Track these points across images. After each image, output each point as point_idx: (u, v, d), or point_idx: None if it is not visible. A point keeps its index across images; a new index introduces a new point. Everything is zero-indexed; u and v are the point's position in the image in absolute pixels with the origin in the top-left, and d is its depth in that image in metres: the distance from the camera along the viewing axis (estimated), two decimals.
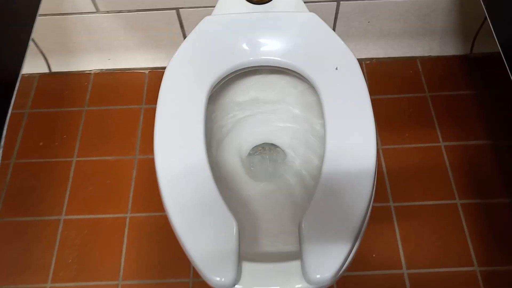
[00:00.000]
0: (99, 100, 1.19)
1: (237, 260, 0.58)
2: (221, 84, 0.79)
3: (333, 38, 0.77)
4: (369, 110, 0.69)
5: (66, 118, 1.17)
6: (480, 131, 1.10)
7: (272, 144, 0.91)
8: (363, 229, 0.64)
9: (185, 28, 1.12)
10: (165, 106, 0.71)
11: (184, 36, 1.14)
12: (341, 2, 1.05)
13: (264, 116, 0.89)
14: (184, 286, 0.94)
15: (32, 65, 1.22)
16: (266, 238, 0.73)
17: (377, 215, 1.00)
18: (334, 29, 1.11)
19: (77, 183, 1.07)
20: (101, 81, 1.23)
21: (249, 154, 0.91)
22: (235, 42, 0.77)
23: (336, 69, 0.73)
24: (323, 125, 0.69)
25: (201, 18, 0.80)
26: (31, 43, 1.14)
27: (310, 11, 0.80)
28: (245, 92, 0.88)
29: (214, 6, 0.82)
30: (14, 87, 0.56)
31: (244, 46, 0.76)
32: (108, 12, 1.07)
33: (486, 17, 0.64)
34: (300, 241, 0.60)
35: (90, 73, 1.24)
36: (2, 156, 0.51)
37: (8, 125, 0.52)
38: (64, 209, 1.04)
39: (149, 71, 1.24)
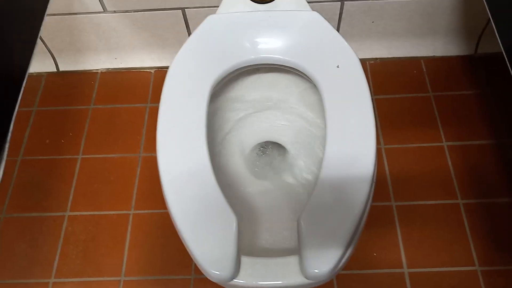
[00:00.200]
0: (105, 98, 1.21)
1: (236, 255, 0.59)
2: (224, 82, 0.80)
3: (335, 37, 0.77)
4: (370, 110, 0.69)
5: (72, 116, 1.18)
6: (483, 131, 1.10)
7: (274, 143, 0.92)
8: (361, 226, 0.64)
9: (191, 28, 1.13)
10: (168, 104, 0.72)
11: None
12: (345, 1, 1.05)
13: (267, 114, 0.90)
14: (185, 283, 0.95)
15: (40, 64, 1.24)
16: (266, 234, 0.74)
17: (379, 214, 1.00)
18: (338, 29, 1.11)
19: (82, 180, 1.08)
20: (108, 80, 1.24)
21: (251, 152, 0.92)
22: (238, 40, 0.77)
23: (338, 67, 0.74)
24: (324, 124, 0.70)
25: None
26: (39, 43, 1.16)
27: (315, 11, 0.81)
28: (247, 90, 0.89)
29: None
30: (21, 85, 0.56)
31: (247, 44, 0.77)
32: (115, 12, 1.08)
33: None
34: (298, 237, 0.61)
35: (97, 72, 1.25)
36: (10, 153, 0.52)
37: (16, 123, 0.52)
38: (69, 205, 1.05)
39: (155, 70, 1.25)
